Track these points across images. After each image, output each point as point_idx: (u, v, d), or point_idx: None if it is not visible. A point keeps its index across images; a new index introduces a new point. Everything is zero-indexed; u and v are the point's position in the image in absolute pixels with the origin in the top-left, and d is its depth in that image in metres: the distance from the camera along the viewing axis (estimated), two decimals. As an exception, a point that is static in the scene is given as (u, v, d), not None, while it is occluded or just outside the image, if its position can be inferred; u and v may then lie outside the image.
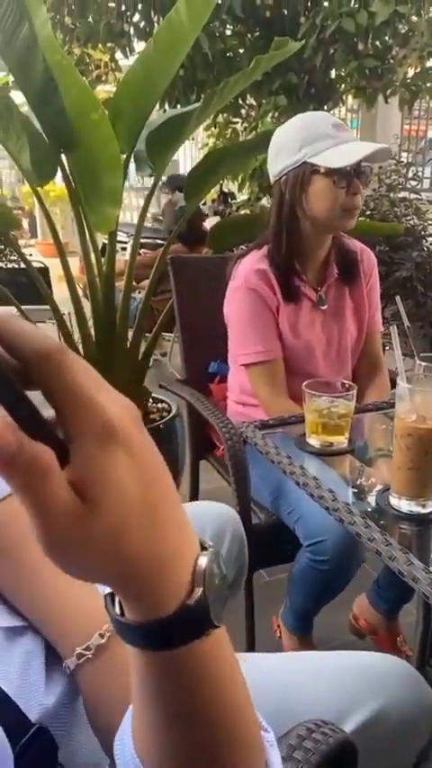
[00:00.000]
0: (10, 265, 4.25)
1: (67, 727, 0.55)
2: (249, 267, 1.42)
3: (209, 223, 4.45)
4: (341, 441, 1.07)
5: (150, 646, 0.34)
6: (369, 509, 0.92)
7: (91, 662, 0.55)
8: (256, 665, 0.43)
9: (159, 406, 2.30)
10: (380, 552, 0.79)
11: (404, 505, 0.88)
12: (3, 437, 0.27)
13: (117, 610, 0.35)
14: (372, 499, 0.95)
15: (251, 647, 1.41)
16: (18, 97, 1.96)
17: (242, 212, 4.39)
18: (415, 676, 0.76)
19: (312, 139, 1.33)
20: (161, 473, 0.33)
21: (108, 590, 0.36)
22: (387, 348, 1.71)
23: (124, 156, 1.92)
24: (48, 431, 0.29)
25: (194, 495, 1.87)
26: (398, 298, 1.15)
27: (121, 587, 0.33)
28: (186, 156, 8.91)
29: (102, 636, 0.56)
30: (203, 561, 0.35)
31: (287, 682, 0.73)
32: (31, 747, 0.50)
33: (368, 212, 3.30)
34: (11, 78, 2.10)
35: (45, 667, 0.57)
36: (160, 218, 5.31)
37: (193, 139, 6.78)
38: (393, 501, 0.89)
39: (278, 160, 1.39)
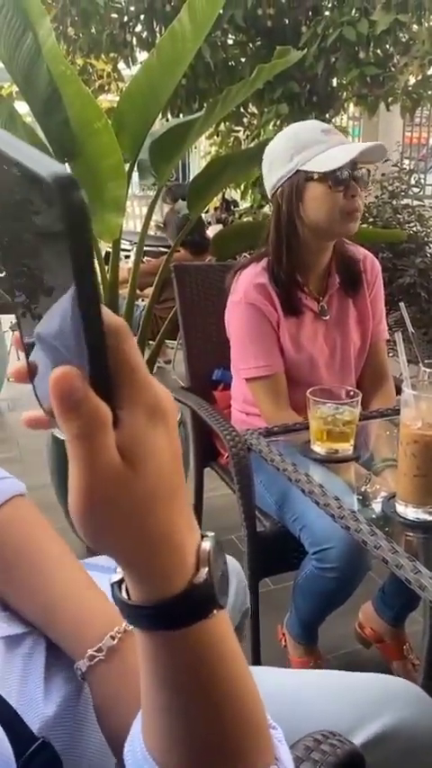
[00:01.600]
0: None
1: (69, 737, 0.55)
2: (249, 281, 1.41)
3: (212, 231, 4.47)
4: (346, 448, 1.06)
5: (158, 626, 0.36)
6: (375, 516, 0.92)
7: (103, 664, 0.55)
8: (265, 680, 0.43)
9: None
10: (386, 560, 0.79)
11: (410, 513, 0.88)
12: (73, 383, 0.29)
13: (124, 594, 0.37)
14: (378, 506, 0.95)
15: (256, 655, 1.40)
16: (22, 107, 1.98)
17: (245, 220, 4.41)
18: (424, 698, 0.75)
19: (303, 147, 1.33)
20: (181, 461, 0.36)
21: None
22: (391, 355, 1.71)
23: (128, 164, 1.93)
24: (109, 394, 0.31)
25: (198, 503, 1.87)
26: (402, 304, 1.15)
27: (134, 562, 0.35)
28: (194, 165, 8.96)
29: (113, 638, 0.56)
30: (207, 545, 0.36)
31: (296, 698, 0.72)
32: (33, 762, 0.50)
33: (371, 219, 3.31)
34: (15, 89, 2.12)
35: (44, 675, 0.57)
36: (162, 225, 5.33)
37: (196, 148, 6.81)
38: (400, 508, 0.89)
39: (272, 173, 1.39)
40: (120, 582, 0.37)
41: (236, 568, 1.04)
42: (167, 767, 0.39)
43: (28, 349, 0.34)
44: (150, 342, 2.33)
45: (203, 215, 4.73)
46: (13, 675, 0.55)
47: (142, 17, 4.21)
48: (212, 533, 0.38)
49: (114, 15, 4.33)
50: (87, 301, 0.29)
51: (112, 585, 0.38)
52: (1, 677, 0.53)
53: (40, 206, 0.28)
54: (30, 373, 0.34)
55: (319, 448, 1.07)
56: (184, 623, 0.35)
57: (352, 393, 1.08)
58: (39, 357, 0.34)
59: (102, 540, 0.34)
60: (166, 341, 3.47)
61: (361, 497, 1.02)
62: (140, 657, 0.38)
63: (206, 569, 0.36)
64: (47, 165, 0.27)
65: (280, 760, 0.41)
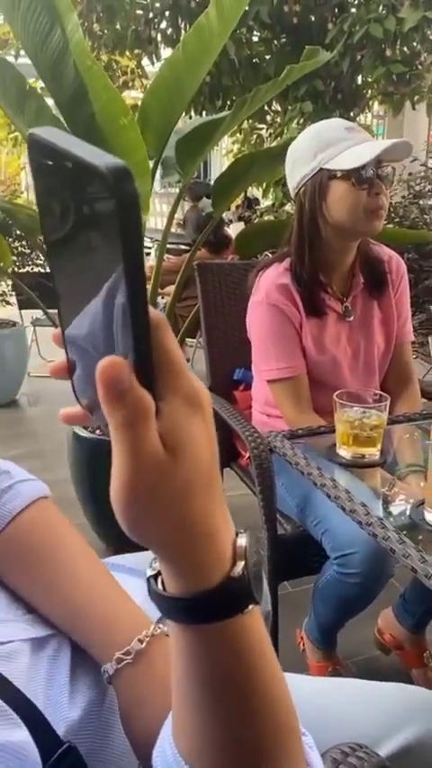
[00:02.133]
0: (36, 269, 4.30)
1: (94, 742, 0.54)
2: (271, 281, 1.39)
3: (233, 228, 4.46)
4: (373, 453, 1.04)
5: (195, 620, 0.36)
6: (402, 524, 0.90)
7: (130, 667, 0.55)
8: (293, 688, 0.43)
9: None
10: (415, 570, 0.77)
11: (439, 521, 0.86)
12: (120, 373, 0.30)
13: (160, 587, 0.37)
14: (405, 514, 0.93)
15: (274, 660, 1.38)
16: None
17: (266, 218, 4.39)
18: None
19: (326, 145, 1.31)
20: (217, 450, 0.36)
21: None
22: (416, 357, 1.68)
23: (152, 161, 1.92)
24: (151, 384, 0.32)
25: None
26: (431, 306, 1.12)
27: (173, 552, 0.35)
28: (215, 162, 8.95)
29: (141, 641, 0.55)
30: (242, 540, 0.37)
31: (318, 706, 0.71)
32: (59, 766, 0.49)
33: (397, 220, 3.27)
34: (40, 84, 2.12)
35: (70, 678, 0.56)
36: (181, 223, 5.33)
37: (217, 146, 6.80)
38: (429, 516, 0.87)
39: (295, 172, 1.37)
40: (154, 576, 0.37)
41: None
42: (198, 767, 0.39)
43: (67, 345, 0.34)
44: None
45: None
46: (39, 678, 0.54)
47: (167, 13, 4.21)
48: (248, 531, 0.38)
49: (139, 12, 4.34)
50: (136, 290, 0.29)
51: (147, 579, 0.38)
52: (27, 680, 0.53)
53: (93, 197, 0.28)
54: (69, 369, 0.35)
55: (345, 452, 1.05)
56: (221, 616, 0.35)
57: (380, 397, 1.06)
58: (77, 353, 0.34)
59: (143, 529, 0.34)
60: (186, 339, 3.46)
61: (386, 504, 1.00)
62: (174, 654, 0.38)
63: (242, 563, 0.36)
64: (102, 157, 0.27)
65: (311, 765, 0.41)
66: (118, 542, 0.40)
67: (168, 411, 0.32)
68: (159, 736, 0.43)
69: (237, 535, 0.37)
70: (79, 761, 0.52)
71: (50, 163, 0.30)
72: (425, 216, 3.35)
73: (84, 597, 0.59)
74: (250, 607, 0.36)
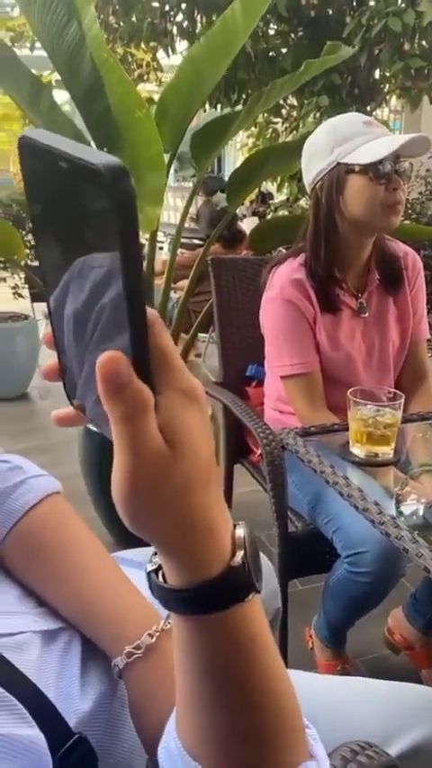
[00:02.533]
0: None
1: (104, 734, 0.55)
2: (285, 277, 1.38)
3: (247, 223, 4.44)
4: (387, 451, 1.03)
5: (196, 610, 0.36)
6: (415, 523, 0.89)
7: (140, 661, 0.55)
8: (295, 682, 0.43)
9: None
10: (428, 569, 0.76)
11: (453, 522, 0.85)
12: (120, 367, 0.30)
13: (161, 579, 0.37)
14: (418, 513, 0.92)
15: (283, 657, 1.38)
16: (59, 96, 1.98)
17: (281, 213, 4.36)
18: None
19: (344, 139, 1.29)
20: (214, 445, 0.36)
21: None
22: (431, 354, 1.66)
23: (167, 155, 1.92)
24: (149, 379, 0.32)
25: (228, 500, 1.85)
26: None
27: (173, 545, 0.35)
28: (229, 157, 8.92)
29: (151, 636, 0.55)
30: (241, 531, 0.37)
31: (327, 703, 0.71)
32: (70, 756, 0.50)
33: (414, 216, 3.23)
34: (54, 77, 2.12)
35: (80, 671, 0.56)
36: (194, 218, 5.31)
37: (232, 140, 6.77)
38: (442, 517, 0.86)
39: (311, 167, 1.36)
40: (155, 570, 0.38)
41: (269, 569, 1.03)
42: (202, 762, 0.39)
43: (58, 345, 0.35)
44: (183, 335, 2.32)
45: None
46: (50, 670, 0.54)
47: (183, 6, 4.19)
48: (243, 522, 0.38)
49: (155, 4, 4.31)
50: (134, 287, 0.30)
51: (148, 574, 0.38)
52: (38, 671, 0.53)
53: (89, 196, 0.29)
54: (60, 370, 0.35)
55: (358, 450, 1.04)
56: (221, 606, 0.36)
57: (394, 395, 1.05)
58: (70, 353, 0.34)
59: (144, 523, 0.34)
60: (198, 334, 3.46)
61: (399, 503, 0.99)
62: (177, 646, 0.38)
63: (242, 552, 0.36)
64: (97, 156, 0.28)
65: (316, 757, 0.41)
66: (128, 537, 0.40)
67: (166, 405, 0.33)
68: (164, 730, 0.43)
69: (234, 527, 0.38)
70: (90, 752, 0.52)
71: (44, 164, 0.30)
72: (442, 212, 3.31)
73: (94, 592, 0.59)
74: (251, 596, 0.37)
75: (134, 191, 0.28)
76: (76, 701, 0.54)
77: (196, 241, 4.38)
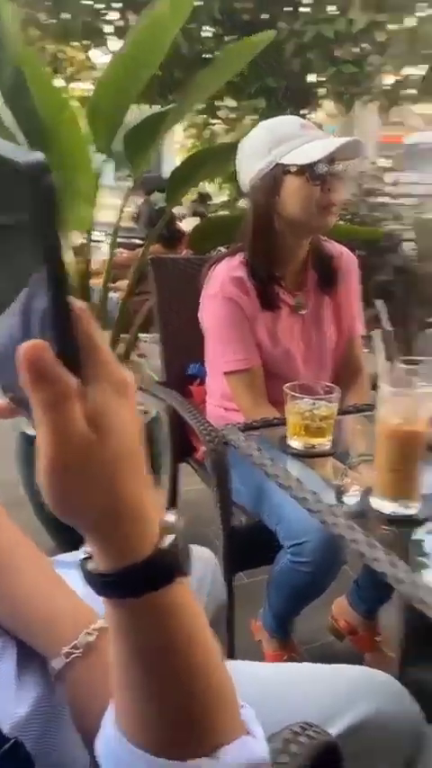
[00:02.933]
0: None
1: (41, 735, 0.54)
2: (225, 275, 1.40)
3: (187, 224, 4.44)
4: (323, 443, 1.07)
5: (125, 593, 0.37)
6: (352, 511, 0.92)
7: (80, 661, 0.55)
8: (240, 673, 0.44)
9: (138, 408, 2.27)
10: (363, 554, 0.80)
11: (387, 507, 0.88)
12: (42, 353, 0.31)
13: (91, 566, 0.38)
14: (354, 501, 0.96)
15: (231, 649, 1.40)
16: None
17: (221, 213, 4.40)
18: (398, 688, 0.76)
19: (280, 140, 1.33)
20: (141, 436, 0.38)
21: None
22: (368, 351, 1.72)
23: (103, 155, 1.90)
24: (76, 369, 0.33)
25: (173, 498, 1.86)
26: (380, 301, 1.15)
27: (102, 529, 0.36)
28: (168, 157, 8.88)
29: (90, 634, 0.55)
30: (171, 517, 0.39)
31: (272, 690, 0.72)
32: (5, 762, 0.49)
33: (348, 217, 3.33)
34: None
35: (16, 675, 0.56)
36: (135, 217, 5.27)
37: (176, 143, 6.76)
38: (376, 503, 0.90)
39: (248, 167, 1.38)
40: (87, 558, 0.39)
41: (212, 561, 1.04)
42: (141, 746, 0.40)
43: None
44: (124, 335, 2.30)
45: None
46: None
47: (114, 5, 4.16)
48: (175, 510, 0.41)
49: (88, 2, 4.26)
50: (56, 280, 0.30)
51: (80, 562, 0.39)
52: None
53: (11, 193, 0.29)
54: None
55: (296, 443, 1.07)
56: (148, 588, 0.37)
57: (330, 389, 1.08)
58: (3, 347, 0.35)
59: (67, 505, 0.35)
60: (139, 334, 3.43)
61: (337, 492, 1.03)
62: (111, 634, 0.39)
63: (170, 537, 0.38)
64: (20, 153, 0.28)
65: (252, 733, 0.42)
66: (71, 543, 0.41)
67: (94, 395, 0.34)
68: (102, 722, 0.43)
69: (166, 513, 0.39)
70: (26, 756, 0.51)
71: None
72: (374, 213, 3.43)
73: (26, 594, 0.58)
74: (179, 579, 0.38)
75: (53, 186, 0.29)
76: (11, 705, 0.53)
77: (136, 240, 4.36)
